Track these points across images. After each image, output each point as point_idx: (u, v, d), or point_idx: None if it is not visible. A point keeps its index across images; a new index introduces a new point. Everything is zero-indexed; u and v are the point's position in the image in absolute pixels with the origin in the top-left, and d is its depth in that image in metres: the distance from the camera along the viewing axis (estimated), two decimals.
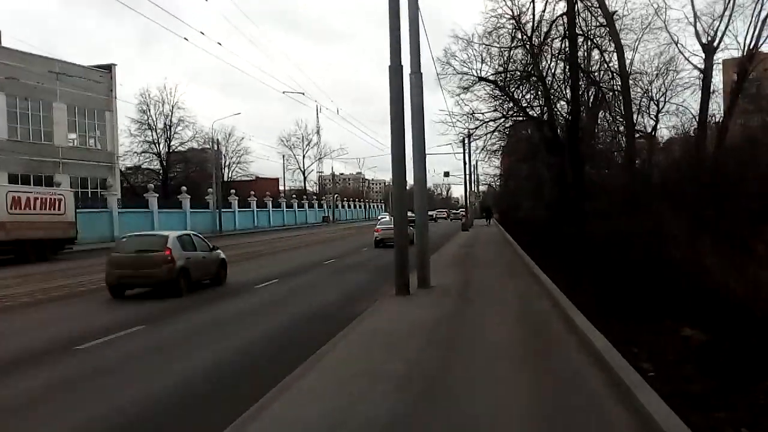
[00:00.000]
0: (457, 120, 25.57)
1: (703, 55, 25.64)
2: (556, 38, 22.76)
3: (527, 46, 23.04)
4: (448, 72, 25.17)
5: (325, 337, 8.96)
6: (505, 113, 26.01)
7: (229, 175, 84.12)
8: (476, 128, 26.06)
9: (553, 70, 23.68)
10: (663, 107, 30.29)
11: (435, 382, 6.52)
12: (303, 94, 58.73)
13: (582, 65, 21.98)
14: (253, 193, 72.44)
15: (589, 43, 22.38)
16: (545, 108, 24.86)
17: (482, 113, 25.34)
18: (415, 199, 15.06)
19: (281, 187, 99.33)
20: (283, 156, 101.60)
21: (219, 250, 17.93)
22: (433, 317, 10.23)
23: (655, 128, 31.16)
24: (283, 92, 64.80)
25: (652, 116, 30.73)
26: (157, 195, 52.23)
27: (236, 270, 22.04)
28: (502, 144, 37.95)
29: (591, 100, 25.81)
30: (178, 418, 6.22)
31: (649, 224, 9.91)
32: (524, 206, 40.91)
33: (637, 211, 11.70)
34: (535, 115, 26.91)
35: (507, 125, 28.22)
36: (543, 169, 31.56)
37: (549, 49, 23.28)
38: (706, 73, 25.92)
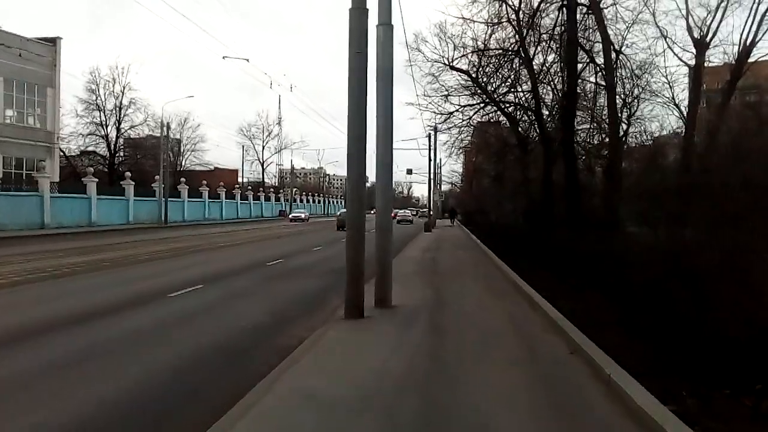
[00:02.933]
0: (429, 103, 22.42)
1: (694, 51, 23.16)
2: (546, 15, 19.62)
3: (513, 22, 19.79)
4: (417, 60, 22.28)
5: (216, 408, 5.46)
6: (484, 100, 22.93)
7: (183, 164, 79.87)
8: (450, 114, 22.91)
9: (544, 55, 20.54)
10: (635, 111, 27.82)
11: None
12: (247, 60, 54.84)
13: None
14: (204, 182, 68.23)
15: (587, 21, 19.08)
16: (530, 97, 21.78)
17: (458, 98, 22.16)
18: (377, 190, 11.51)
19: (240, 179, 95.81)
20: (243, 146, 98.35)
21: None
22: (398, 368, 6.67)
23: (626, 132, 28.77)
24: (224, 57, 60.55)
25: (623, 120, 28.30)
26: (97, 180, 47.94)
27: (156, 271, 18.36)
28: (472, 140, 35.09)
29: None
30: None
31: (726, 240, 6.54)
32: (494, 208, 37.72)
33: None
34: (510, 109, 23.95)
35: (484, 115, 25.18)
36: (516, 170, 28.63)
37: (537, 29, 20.09)
38: (697, 71, 23.49)
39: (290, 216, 75.21)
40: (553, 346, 7.75)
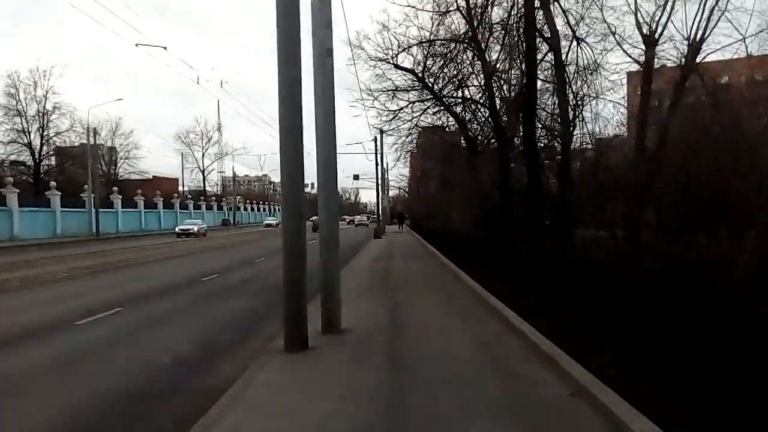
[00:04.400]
0: (375, 99, 21.01)
1: (644, 48, 22.26)
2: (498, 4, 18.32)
3: (462, 11, 18.36)
4: (360, 57, 20.79)
5: None
6: (430, 99, 21.53)
7: (117, 172, 76.02)
8: (396, 113, 21.55)
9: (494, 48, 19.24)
10: (579, 111, 26.92)
11: None
12: (165, 48, 50.93)
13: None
14: (140, 191, 64.96)
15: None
16: (482, 93, 20.46)
17: (406, 92, 20.75)
18: (320, 195, 9.76)
19: (181, 188, 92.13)
20: (182, 154, 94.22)
21: None
22: (348, 428, 5.00)
23: (572, 132, 27.91)
24: (137, 44, 57.02)
25: (574, 119, 27.41)
26: (18, 191, 44.68)
27: (72, 291, 16.22)
28: (418, 142, 33.78)
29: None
30: None
31: None
32: (444, 213, 36.36)
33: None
34: (458, 109, 22.67)
35: (431, 114, 23.84)
36: (465, 173, 27.37)
37: (489, 19, 18.75)
38: (647, 67, 22.59)
39: (177, 229, 55.51)
40: (545, 383, 6.11)
